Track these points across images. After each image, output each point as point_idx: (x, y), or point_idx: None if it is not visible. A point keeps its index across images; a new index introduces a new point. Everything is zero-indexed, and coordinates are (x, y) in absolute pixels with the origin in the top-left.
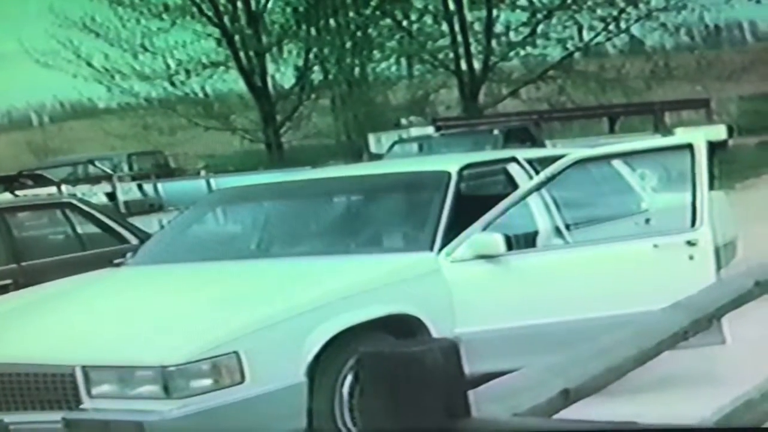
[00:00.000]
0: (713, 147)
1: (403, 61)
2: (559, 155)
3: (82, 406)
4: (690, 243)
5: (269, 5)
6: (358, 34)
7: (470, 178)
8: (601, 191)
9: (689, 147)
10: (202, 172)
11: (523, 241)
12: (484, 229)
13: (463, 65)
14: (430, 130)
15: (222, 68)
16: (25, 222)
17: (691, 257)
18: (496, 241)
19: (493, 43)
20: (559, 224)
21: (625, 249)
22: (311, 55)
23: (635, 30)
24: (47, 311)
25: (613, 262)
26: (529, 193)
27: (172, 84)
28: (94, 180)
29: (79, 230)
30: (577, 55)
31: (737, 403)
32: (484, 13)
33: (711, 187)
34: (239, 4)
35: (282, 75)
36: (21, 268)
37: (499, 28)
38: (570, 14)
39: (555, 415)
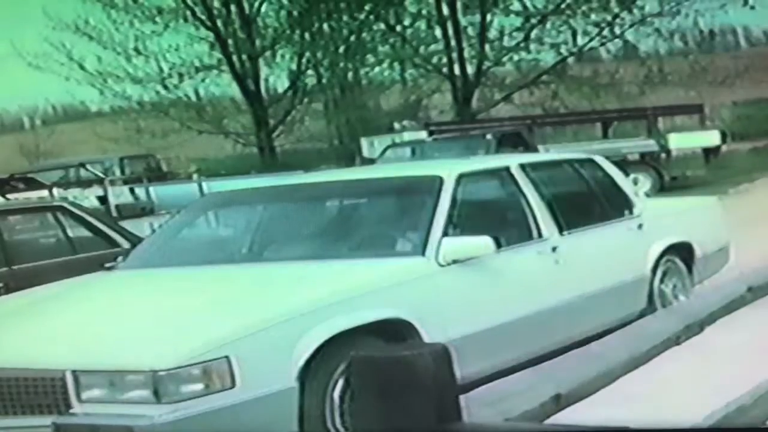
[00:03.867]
0: (707, 152)
1: (397, 65)
2: (553, 160)
3: (72, 411)
4: None
5: (263, 9)
6: (352, 38)
7: (463, 184)
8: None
9: None
10: (195, 176)
11: (513, 243)
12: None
13: (457, 70)
14: (423, 134)
15: (215, 72)
16: (16, 225)
17: None
18: (486, 243)
19: (487, 47)
20: (548, 224)
21: None
22: (304, 59)
23: (629, 35)
24: (38, 315)
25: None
26: None
27: (165, 87)
28: (86, 183)
29: (71, 234)
30: (570, 60)
31: (729, 408)
32: (477, 17)
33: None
34: (233, 8)
35: (275, 79)
36: (12, 271)
37: (492, 32)
38: (564, 19)
39: (547, 419)
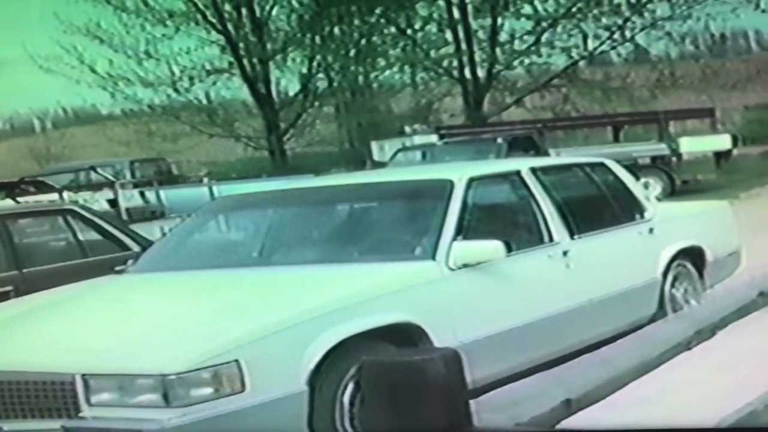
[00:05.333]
0: (719, 156)
1: (407, 69)
2: (564, 164)
3: (81, 414)
4: None
5: (274, 13)
6: (363, 41)
7: (473, 187)
8: None
9: None
10: (205, 180)
11: (523, 247)
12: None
13: (468, 73)
14: (433, 138)
15: (226, 75)
16: (26, 229)
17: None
18: (496, 248)
19: (498, 51)
20: (559, 228)
21: None
22: (315, 63)
23: (640, 39)
24: (48, 318)
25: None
26: None
27: (176, 91)
28: (96, 187)
29: (81, 237)
30: (581, 63)
31: (741, 413)
32: (488, 21)
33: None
34: (244, 12)
35: (286, 82)
36: (22, 275)
37: (503, 36)
38: (575, 23)
39: (557, 424)
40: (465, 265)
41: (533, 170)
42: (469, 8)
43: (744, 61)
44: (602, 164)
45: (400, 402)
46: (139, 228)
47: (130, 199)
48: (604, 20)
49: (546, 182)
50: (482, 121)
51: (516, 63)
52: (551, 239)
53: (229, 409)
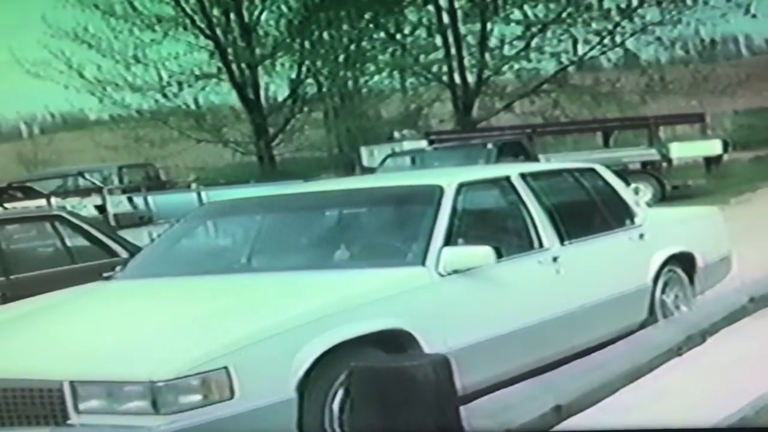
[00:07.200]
0: (709, 161)
1: (397, 74)
2: (553, 169)
3: (69, 422)
4: None
5: (262, 18)
6: (352, 47)
7: (463, 193)
8: None
9: None
10: (193, 185)
11: (513, 253)
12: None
13: (457, 79)
14: (423, 143)
15: (214, 80)
16: (13, 235)
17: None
18: (486, 253)
19: (487, 56)
20: (549, 234)
21: None
22: (304, 68)
23: (630, 44)
24: (35, 325)
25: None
26: None
27: (164, 96)
28: (84, 192)
29: (69, 243)
30: (571, 68)
31: (732, 419)
32: (478, 26)
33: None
34: (232, 17)
35: (275, 87)
36: (9, 281)
37: (493, 41)
38: (564, 28)
39: (548, 430)
40: (455, 271)
41: (523, 176)
42: (459, 13)
43: (734, 65)
44: (592, 170)
45: (390, 408)
46: (127, 234)
47: (118, 204)
48: (594, 25)
49: (536, 188)
50: (472, 126)
51: (505, 68)
52: (541, 245)
53: (218, 416)
